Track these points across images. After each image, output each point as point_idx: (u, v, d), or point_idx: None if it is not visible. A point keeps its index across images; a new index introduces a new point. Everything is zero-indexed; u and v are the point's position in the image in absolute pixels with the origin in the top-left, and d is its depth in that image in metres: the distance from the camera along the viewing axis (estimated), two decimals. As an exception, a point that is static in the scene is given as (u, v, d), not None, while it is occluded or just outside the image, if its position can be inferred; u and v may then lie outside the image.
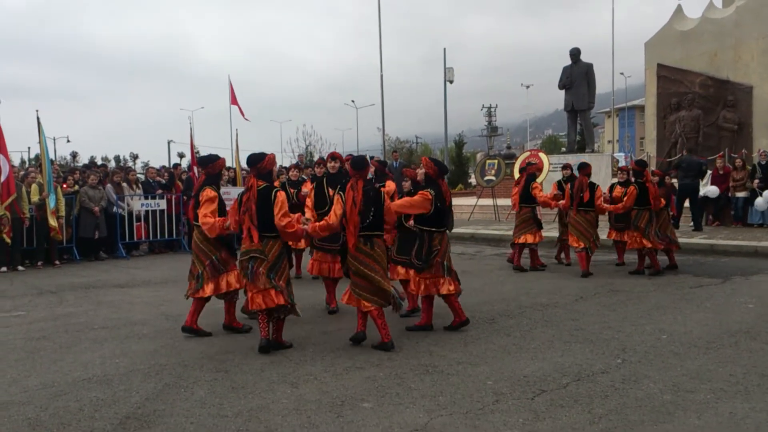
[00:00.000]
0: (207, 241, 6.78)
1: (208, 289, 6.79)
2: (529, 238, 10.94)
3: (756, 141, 22.33)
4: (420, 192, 6.83)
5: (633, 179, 10.61)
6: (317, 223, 6.43)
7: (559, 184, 11.43)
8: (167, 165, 20.18)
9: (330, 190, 8.05)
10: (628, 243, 10.64)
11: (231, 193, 12.07)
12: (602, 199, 10.65)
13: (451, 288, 6.93)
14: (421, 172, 7.23)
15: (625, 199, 10.36)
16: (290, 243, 7.94)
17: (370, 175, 6.89)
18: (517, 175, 15.76)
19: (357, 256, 6.23)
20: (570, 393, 4.94)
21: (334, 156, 8.44)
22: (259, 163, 6.26)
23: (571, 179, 11.20)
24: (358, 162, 6.42)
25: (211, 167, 6.95)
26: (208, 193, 6.74)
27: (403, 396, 4.93)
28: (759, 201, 15.38)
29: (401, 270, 7.38)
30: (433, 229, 6.84)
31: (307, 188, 9.10)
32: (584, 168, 10.80)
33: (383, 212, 6.37)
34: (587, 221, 10.54)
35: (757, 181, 15.65)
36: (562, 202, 11.02)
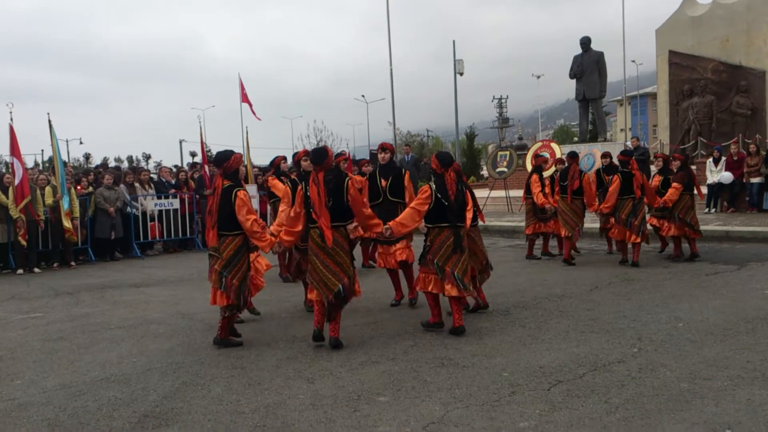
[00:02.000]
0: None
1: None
2: (528, 230, 11.37)
3: (770, 126, 22.14)
4: (419, 192, 6.71)
5: (620, 168, 10.48)
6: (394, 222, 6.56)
7: (598, 174, 11.27)
8: (180, 164, 20.25)
9: (383, 181, 7.96)
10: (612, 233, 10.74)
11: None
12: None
13: (433, 288, 6.60)
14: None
15: (610, 188, 10.37)
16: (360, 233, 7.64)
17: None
18: (529, 167, 15.70)
19: (311, 246, 6.22)
20: (586, 383, 4.93)
21: (384, 147, 8.16)
22: (225, 162, 6.36)
23: (610, 168, 11.02)
24: (318, 154, 6.30)
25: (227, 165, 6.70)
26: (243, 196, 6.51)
27: (419, 389, 4.94)
28: None
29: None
30: (429, 225, 6.65)
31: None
32: (575, 156, 10.95)
33: (345, 203, 6.20)
34: (572, 210, 10.61)
35: (772, 165, 15.52)
36: (549, 202, 10.95)
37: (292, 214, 6.38)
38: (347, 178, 6.30)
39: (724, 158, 16.80)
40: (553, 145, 18.09)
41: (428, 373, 5.30)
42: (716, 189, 16.52)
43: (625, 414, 4.31)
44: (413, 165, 20.24)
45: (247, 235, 6.29)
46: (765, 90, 22.41)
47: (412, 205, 6.67)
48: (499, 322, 6.90)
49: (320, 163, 6.20)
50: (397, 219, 6.58)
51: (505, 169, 20.51)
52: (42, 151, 62.38)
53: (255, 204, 7.51)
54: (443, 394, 4.81)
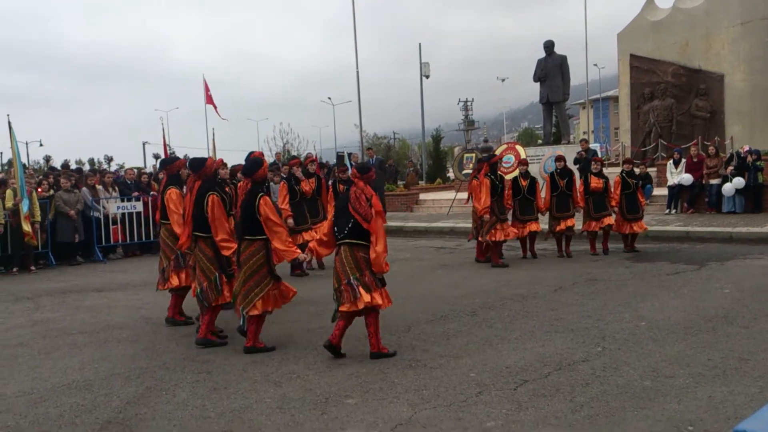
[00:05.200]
0: (173, 237, 7.24)
1: (174, 280, 7.31)
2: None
3: (728, 128, 22.64)
4: None
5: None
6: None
7: (552, 176, 11.49)
8: (143, 166, 20.00)
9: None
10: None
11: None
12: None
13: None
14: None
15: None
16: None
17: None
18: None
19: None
20: (552, 382, 4.98)
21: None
22: (202, 167, 6.58)
23: (564, 171, 11.37)
24: (194, 163, 6.57)
25: (169, 168, 7.63)
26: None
27: (386, 391, 4.94)
28: (727, 186, 15.60)
29: None
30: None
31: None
32: (483, 160, 11.38)
33: (204, 216, 6.38)
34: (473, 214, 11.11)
35: (731, 167, 15.84)
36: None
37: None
38: (209, 194, 6.34)
39: (684, 160, 17.11)
40: (518, 147, 18.25)
41: (396, 375, 5.30)
42: (676, 190, 16.82)
43: (590, 412, 4.37)
44: (378, 167, 20.26)
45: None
46: (723, 93, 22.88)
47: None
48: (466, 323, 6.94)
49: (195, 171, 6.46)
50: None
51: (471, 171, 20.64)
52: (1, 153, 60.96)
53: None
54: (411, 395, 4.82)
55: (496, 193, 10.67)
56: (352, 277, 5.71)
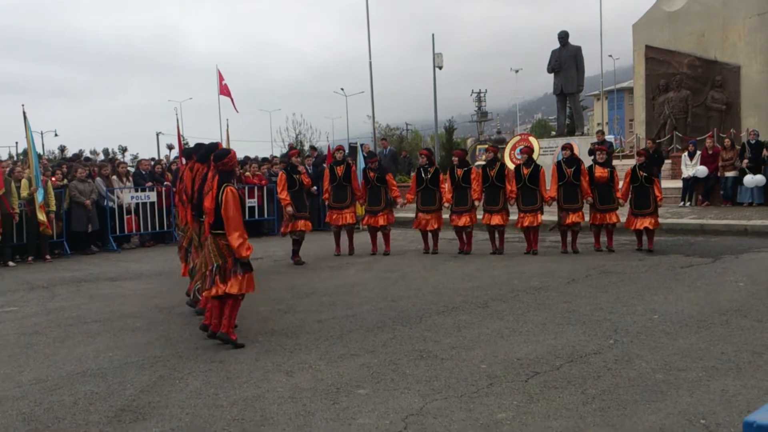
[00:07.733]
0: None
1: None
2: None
3: (744, 120, 22.42)
4: None
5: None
6: None
7: (559, 165, 11.28)
8: (156, 157, 20.05)
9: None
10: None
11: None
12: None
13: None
14: None
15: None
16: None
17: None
18: (507, 161, 15.81)
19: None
20: (563, 374, 4.97)
21: (339, 149, 12.25)
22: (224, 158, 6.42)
23: (571, 160, 11.09)
24: (220, 153, 6.51)
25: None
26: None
27: (398, 382, 4.95)
28: (748, 178, 15.46)
29: None
30: None
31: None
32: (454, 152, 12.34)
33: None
34: None
35: (746, 160, 15.71)
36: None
37: None
38: (225, 185, 6.14)
39: (699, 152, 16.98)
40: (532, 139, 18.17)
41: (407, 366, 5.31)
42: (691, 183, 16.71)
43: (602, 404, 4.36)
44: (391, 158, 20.22)
45: None
46: (739, 85, 22.67)
47: None
48: (478, 315, 6.94)
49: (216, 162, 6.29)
50: None
51: (484, 163, 20.58)
52: (16, 143, 61.34)
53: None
54: (422, 386, 4.83)
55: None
56: (215, 265, 6.11)
